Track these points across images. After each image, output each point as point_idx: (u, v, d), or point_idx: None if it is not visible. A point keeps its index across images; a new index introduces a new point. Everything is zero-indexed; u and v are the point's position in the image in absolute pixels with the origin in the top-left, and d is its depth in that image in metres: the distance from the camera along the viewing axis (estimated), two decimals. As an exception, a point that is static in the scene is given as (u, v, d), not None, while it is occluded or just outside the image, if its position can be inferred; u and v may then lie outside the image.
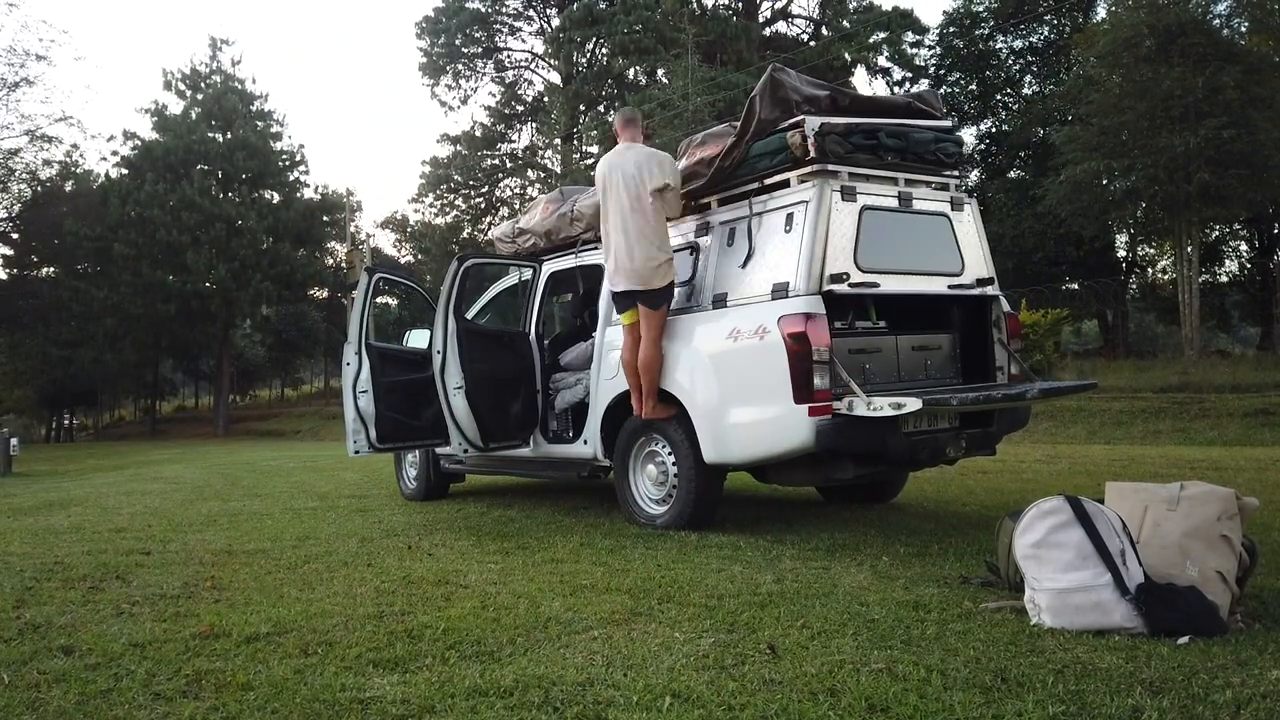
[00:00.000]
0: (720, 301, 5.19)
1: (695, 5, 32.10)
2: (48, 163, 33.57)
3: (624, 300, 5.47)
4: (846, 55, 31.72)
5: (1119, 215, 21.57)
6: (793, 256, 4.84)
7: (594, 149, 34.40)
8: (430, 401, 6.19)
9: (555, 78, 35.19)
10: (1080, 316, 25.78)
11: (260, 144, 32.63)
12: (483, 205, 37.53)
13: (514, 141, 37.92)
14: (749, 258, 5.11)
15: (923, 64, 31.28)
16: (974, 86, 29.65)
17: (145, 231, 29.69)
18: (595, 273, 6.26)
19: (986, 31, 28.81)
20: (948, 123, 5.70)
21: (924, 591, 3.72)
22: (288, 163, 34.30)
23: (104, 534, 6.07)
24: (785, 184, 5.10)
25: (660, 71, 31.32)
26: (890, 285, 5.04)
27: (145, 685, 2.80)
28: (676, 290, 5.48)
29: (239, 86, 33.31)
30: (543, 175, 36.37)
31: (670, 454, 5.40)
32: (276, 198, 33.84)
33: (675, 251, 5.50)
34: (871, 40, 31.42)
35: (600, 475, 6.05)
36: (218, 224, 30.41)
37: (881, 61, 32.94)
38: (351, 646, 3.12)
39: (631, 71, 33.17)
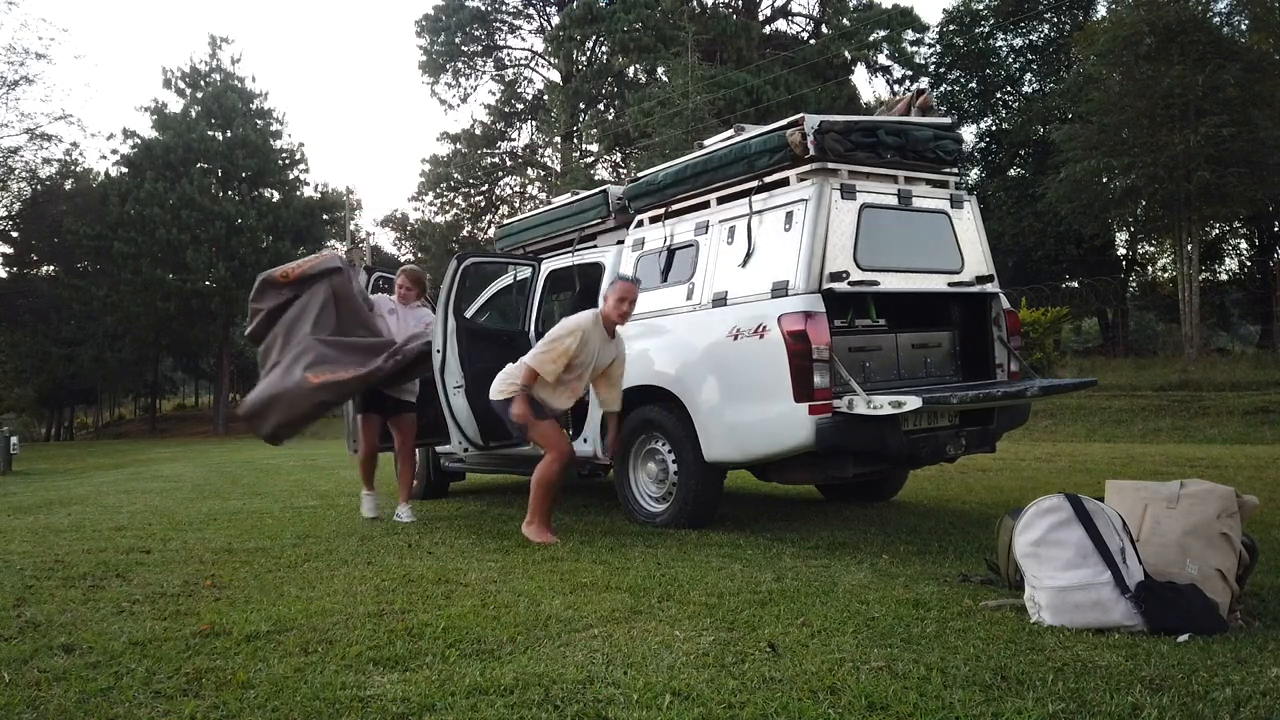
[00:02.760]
0: (720, 300, 5.19)
1: (695, 3, 32.09)
2: (47, 161, 33.53)
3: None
4: (846, 53, 31.74)
5: (1119, 213, 21.55)
6: (792, 255, 4.84)
7: (593, 147, 34.43)
8: (430, 400, 6.19)
9: (555, 76, 35.22)
10: (1080, 315, 25.77)
11: (260, 142, 32.60)
12: (482, 203, 37.53)
13: (514, 140, 37.97)
14: (748, 256, 5.11)
15: (923, 62, 31.31)
16: (974, 85, 29.65)
17: (145, 230, 29.65)
18: (594, 271, 6.28)
19: (986, 29, 28.80)
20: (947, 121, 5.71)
21: (924, 590, 3.72)
22: (287, 161, 34.27)
23: (104, 532, 6.07)
24: (785, 182, 5.10)
25: (660, 70, 31.32)
26: (890, 283, 5.04)
27: (145, 683, 2.80)
28: (675, 289, 5.49)
29: (239, 85, 33.26)
30: (542, 174, 36.40)
31: (670, 452, 5.40)
32: (276, 196, 33.79)
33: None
34: (871, 38, 31.44)
35: (600, 474, 6.05)
36: (217, 222, 30.38)
37: (881, 60, 33.00)
38: (352, 644, 3.12)
39: (631, 70, 33.20)
